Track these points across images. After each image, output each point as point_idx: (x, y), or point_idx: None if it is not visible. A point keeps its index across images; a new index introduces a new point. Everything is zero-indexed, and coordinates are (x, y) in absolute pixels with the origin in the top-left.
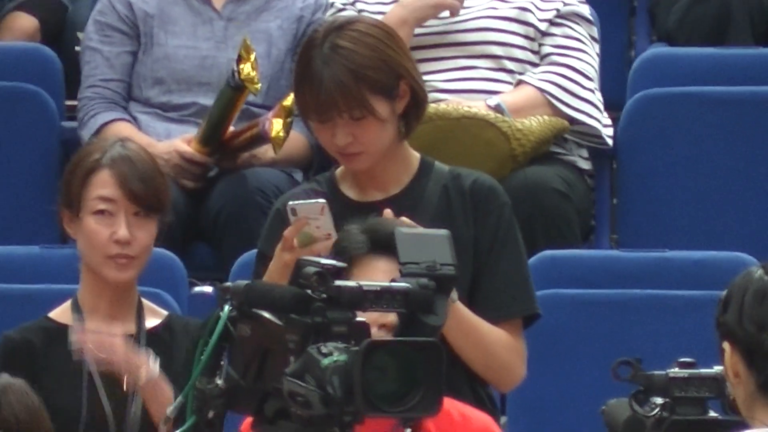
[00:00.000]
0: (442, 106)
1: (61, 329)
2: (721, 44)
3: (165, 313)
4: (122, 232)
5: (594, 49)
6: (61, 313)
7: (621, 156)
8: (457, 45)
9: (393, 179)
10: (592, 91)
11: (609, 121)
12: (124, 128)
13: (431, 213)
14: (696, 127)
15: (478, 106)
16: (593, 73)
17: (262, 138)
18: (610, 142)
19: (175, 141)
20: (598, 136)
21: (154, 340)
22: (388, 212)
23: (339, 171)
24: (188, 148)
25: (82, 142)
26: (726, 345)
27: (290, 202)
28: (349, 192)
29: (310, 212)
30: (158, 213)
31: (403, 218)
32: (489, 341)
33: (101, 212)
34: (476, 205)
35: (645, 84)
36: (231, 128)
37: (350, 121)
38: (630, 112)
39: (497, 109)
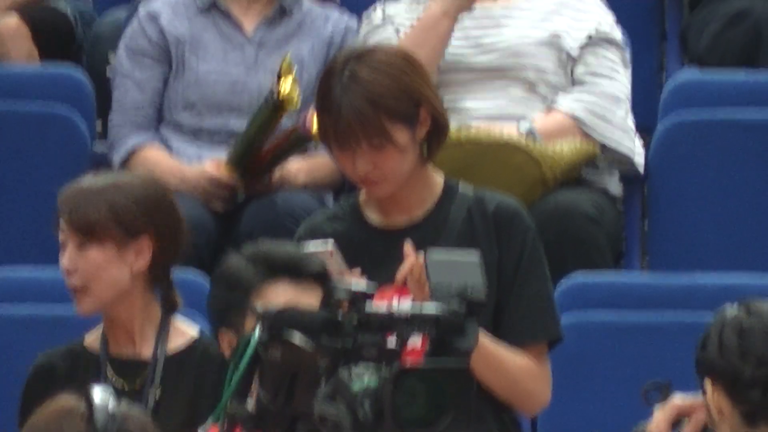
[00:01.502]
0: (473, 130)
1: (88, 356)
2: (752, 68)
3: (194, 334)
4: (62, 261)
5: (626, 74)
6: (92, 339)
7: (652, 180)
8: (489, 69)
9: (416, 203)
10: (624, 116)
11: (640, 147)
12: (154, 152)
13: (455, 237)
14: (727, 152)
15: (508, 130)
16: (625, 99)
17: (303, 137)
18: (641, 167)
19: (204, 165)
20: (630, 162)
21: (173, 364)
22: (408, 246)
23: (362, 196)
24: (216, 172)
25: (112, 166)
26: (707, 383)
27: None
28: (372, 217)
29: (320, 255)
30: (97, 242)
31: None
32: (512, 369)
33: (62, 244)
34: (500, 228)
35: (676, 108)
36: (268, 143)
37: (370, 149)
38: (661, 137)
39: (528, 134)
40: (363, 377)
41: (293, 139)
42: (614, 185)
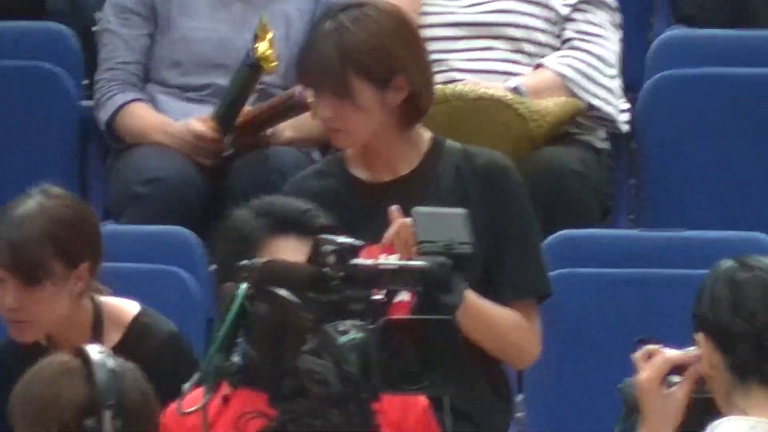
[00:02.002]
0: (459, 86)
1: (33, 349)
2: (741, 26)
3: (130, 317)
4: (6, 300)
5: (616, 35)
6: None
7: (639, 136)
8: (476, 25)
9: (401, 160)
10: (612, 78)
11: (627, 107)
12: (141, 109)
13: (444, 192)
14: (714, 109)
15: (495, 87)
16: (614, 60)
17: (300, 106)
18: (624, 128)
19: (190, 120)
20: (613, 122)
21: None
22: (394, 209)
23: (349, 151)
24: (201, 127)
25: (99, 124)
26: (700, 336)
27: None
28: (359, 172)
29: None
30: (41, 280)
31: None
32: (499, 324)
33: None
34: (490, 184)
35: (663, 65)
36: (264, 103)
37: (333, 97)
38: (648, 93)
39: (516, 91)
40: (349, 331)
41: (289, 105)
42: (600, 140)
